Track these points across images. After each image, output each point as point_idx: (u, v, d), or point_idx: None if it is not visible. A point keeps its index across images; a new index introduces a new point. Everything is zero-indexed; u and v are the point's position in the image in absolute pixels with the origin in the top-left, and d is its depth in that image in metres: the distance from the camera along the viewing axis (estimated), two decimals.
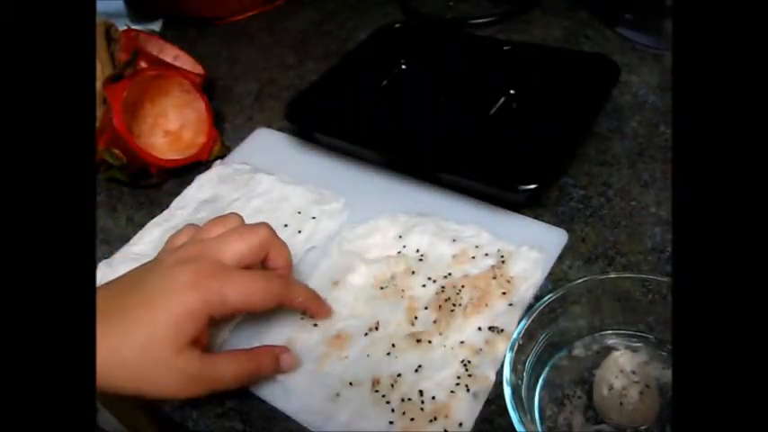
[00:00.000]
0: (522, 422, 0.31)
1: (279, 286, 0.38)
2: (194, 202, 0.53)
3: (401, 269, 0.44)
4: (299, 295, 0.40)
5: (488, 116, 0.53)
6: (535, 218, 0.46)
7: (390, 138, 0.53)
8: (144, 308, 0.34)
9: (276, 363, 0.38)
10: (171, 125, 0.59)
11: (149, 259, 0.49)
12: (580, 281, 0.36)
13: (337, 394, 0.38)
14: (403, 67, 0.62)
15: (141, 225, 0.51)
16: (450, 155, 0.49)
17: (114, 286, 0.37)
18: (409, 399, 0.37)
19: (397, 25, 0.67)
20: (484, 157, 0.49)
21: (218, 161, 0.57)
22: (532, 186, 0.43)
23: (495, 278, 0.42)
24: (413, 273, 0.43)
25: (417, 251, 0.45)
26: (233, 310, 0.37)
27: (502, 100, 0.54)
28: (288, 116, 0.56)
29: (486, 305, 0.40)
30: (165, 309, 0.34)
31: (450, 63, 0.61)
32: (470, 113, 0.54)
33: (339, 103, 0.58)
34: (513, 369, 0.33)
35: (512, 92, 0.55)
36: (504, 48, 0.59)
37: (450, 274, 0.43)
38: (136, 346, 0.33)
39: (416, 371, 0.38)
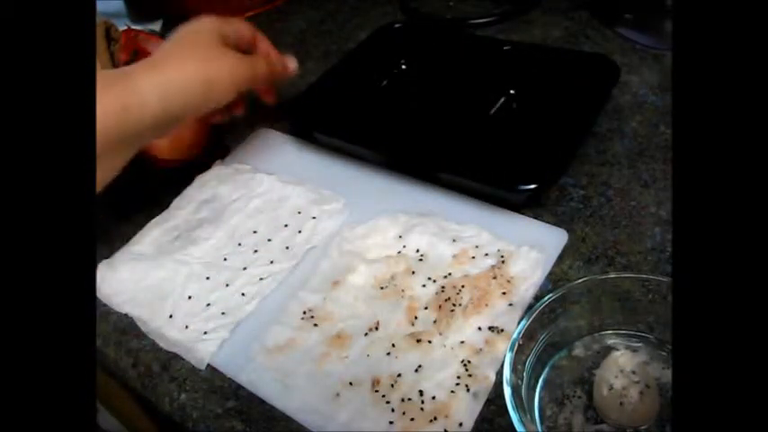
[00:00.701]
0: (522, 422, 0.31)
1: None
2: (194, 202, 0.53)
3: (401, 269, 0.44)
4: (263, 64, 0.49)
5: (488, 116, 0.53)
6: (535, 218, 0.46)
7: (390, 138, 0.53)
8: (175, 53, 0.44)
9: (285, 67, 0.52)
10: None
11: (149, 259, 0.49)
12: (580, 281, 0.36)
13: (337, 394, 0.38)
14: (403, 67, 0.62)
15: (141, 225, 0.51)
16: (450, 155, 0.49)
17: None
18: (409, 399, 0.37)
19: (397, 25, 0.67)
20: (484, 157, 0.49)
21: (218, 161, 0.57)
22: (532, 186, 0.43)
23: (495, 278, 0.42)
24: (413, 273, 0.43)
25: (417, 251, 0.45)
26: (234, 29, 0.48)
27: (502, 100, 0.54)
28: (288, 116, 0.56)
29: (486, 305, 0.40)
30: (193, 35, 0.46)
31: (450, 63, 0.61)
32: (470, 113, 0.54)
33: (339, 103, 0.58)
34: (513, 369, 0.33)
35: (512, 92, 0.55)
36: (504, 48, 0.59)
37: (450, 274, 0.43)
38: (191, 63, 0.44)
39: (416, 371, 0.38)
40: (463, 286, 0.41)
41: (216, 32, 0.46)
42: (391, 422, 0.36)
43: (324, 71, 0.62)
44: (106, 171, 0.42)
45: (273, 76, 0.51)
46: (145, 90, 0.40)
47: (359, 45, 0.66)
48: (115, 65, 0.58)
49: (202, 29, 0.46)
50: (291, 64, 0.53)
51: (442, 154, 0.50)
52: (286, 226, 0.49)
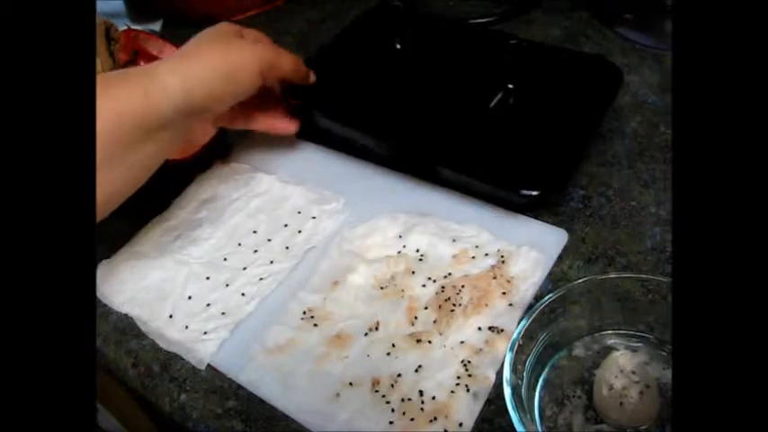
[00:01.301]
0: (522, 422, 0.31)
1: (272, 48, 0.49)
2: (194, 201, 0.53)
3: (401, 269, 0.44)
4: (289, 61, 0.49)
5: (488, 110, 0.52)
6: (535, 218, 0.46)
7: (390, 128, 0.51)
8: (194, 49, 0.45)
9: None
10: None
11: (149, 259, 0.49)
12: (580, 281, 0.36)
13: (337, 394, 0.38)
14: (398, 46, 0.60)
15: (141, 225, 0.51)
16: (449, 149, 0.49)
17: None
18: (409, 399, 0.37)
19: (396, 2, 0.66)
20: (484, 157, 0.49)
21: (219, 161, 0.57)
22: (535, 193, 0.43)
23: (495, 278, 0.42)
24: (413, 273, 0.43)
25: (417, 251, 0.45)
26: (251, 32, 0.50)
27: (500, 94, 0.53)
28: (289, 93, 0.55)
29: (486, 305, 0.40)
30: (211, 35, 0.47)
31: (449, 54, 0.60)
32: (470, 106, 0.53)
33: (337, 83, 0.56)
34: (513, 369, 0.33)
35: (510, 86, 0.54)
36: (511, 42, 0.58)
37: (450, 274, 0.43)
38: (211, 54, 0.44)
39: (416, 371, 0.38)
40: (463, 286, 0.41)
41: (234, 33, 0.47)
42: (391, 422, 0.36)
43: (320, 47, 0.61)
44: (135, 167, 0.42)
45: (298, 74, 0.50)
46: (166, 79, 0.41)
47: (355, 23, 0.63)
48: (115, 65, 0.58)
49: (221, 30, 0.47)
50: (312, 75, 0.53)
51: (441, 147, 0.49)
52: (286, 226, 0.49)
